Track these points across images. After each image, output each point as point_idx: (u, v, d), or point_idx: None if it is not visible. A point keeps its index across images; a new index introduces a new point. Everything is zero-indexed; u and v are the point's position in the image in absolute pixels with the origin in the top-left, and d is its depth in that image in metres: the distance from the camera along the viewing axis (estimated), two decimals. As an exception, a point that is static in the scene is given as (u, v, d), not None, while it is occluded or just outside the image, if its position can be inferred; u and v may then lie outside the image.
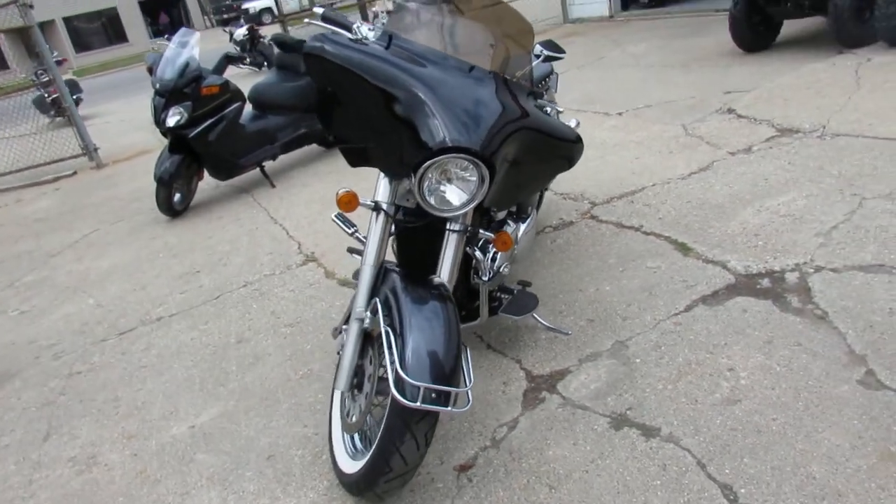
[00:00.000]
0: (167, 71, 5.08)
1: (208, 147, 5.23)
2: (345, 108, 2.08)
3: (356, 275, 2.94)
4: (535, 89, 2.36)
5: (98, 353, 3.47)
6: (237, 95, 5.41)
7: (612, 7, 10.63)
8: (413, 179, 1.91)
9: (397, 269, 2.11)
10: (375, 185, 2.18)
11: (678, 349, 2.50)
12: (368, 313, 2.03)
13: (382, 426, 1.88)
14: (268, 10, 27.52)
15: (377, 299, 2.00)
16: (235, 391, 2.87)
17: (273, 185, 5.69)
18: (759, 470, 1.91)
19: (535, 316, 2.69)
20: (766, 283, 2.79)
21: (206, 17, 39.52)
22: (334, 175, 5.69)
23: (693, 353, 2.46)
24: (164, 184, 5.16)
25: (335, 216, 2.48)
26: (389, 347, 1.84)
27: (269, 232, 4.66)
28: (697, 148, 4.41)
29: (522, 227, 2.78)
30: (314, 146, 6.43)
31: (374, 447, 1.91)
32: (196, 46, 5.17)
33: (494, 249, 2.43)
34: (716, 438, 2.06)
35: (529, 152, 2.15)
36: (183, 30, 5.36)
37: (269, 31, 12.00)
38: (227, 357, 3.16)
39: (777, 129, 4.43)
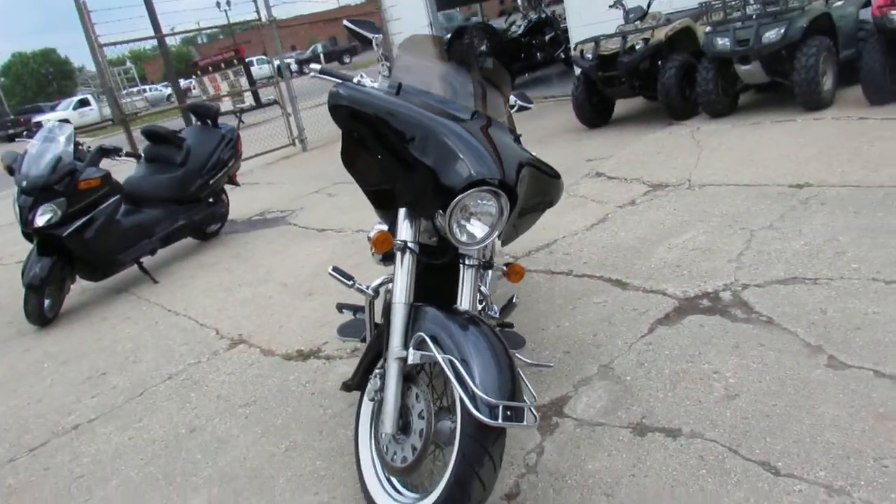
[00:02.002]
0: (35, 167, 4.68)
1: (85, 245, 4.82)
2: (370, 152, 2.13)
3: (343, 330, 2.90)
4: (518, 134, 2.56)
5: (11, 475, 2.99)
6: (115, 188, 5.09)
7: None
8: (445, 213, 1.99)
9: (425, 304, 2.13)
10: (397, 228, 2.20)
11: (660, 363, 2.71)
12: (412, 350, 2.02)
13: (456, 455, 1.86)
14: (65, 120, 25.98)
15: (422, 334, 2.00)
16: (213, 478, 2.62)
17: (155, 281, 5.33)
18: (784, 445, 2.13)
19: (518, 355, 2.78)
20: (706, 302, 3.13)
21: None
22: (220, 265, 5.46)
23: (675, 364, 2.69)
24: (36, 290, 4.65)
25: (332, 270, 2.45)
26: (457, 374, 1.85)
27: (174, 324, 4.35)
28: (586, 205, 4.85)
29: (490, 273, 2.91)
30: (189, 239, 6.14)
31: (446, 480, 1.87)
32: (71, 141, 4.83)
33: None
34: (733, 428, 2.26)
35: (530, 188, 2.31)
36: (51, 124, 5.01)
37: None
38: (185, 447, 2.88)
39: (648, 185, 5.01)
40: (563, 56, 11.89)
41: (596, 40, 6.88)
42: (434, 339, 1.97)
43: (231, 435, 2.90)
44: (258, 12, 10.04)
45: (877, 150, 4.62)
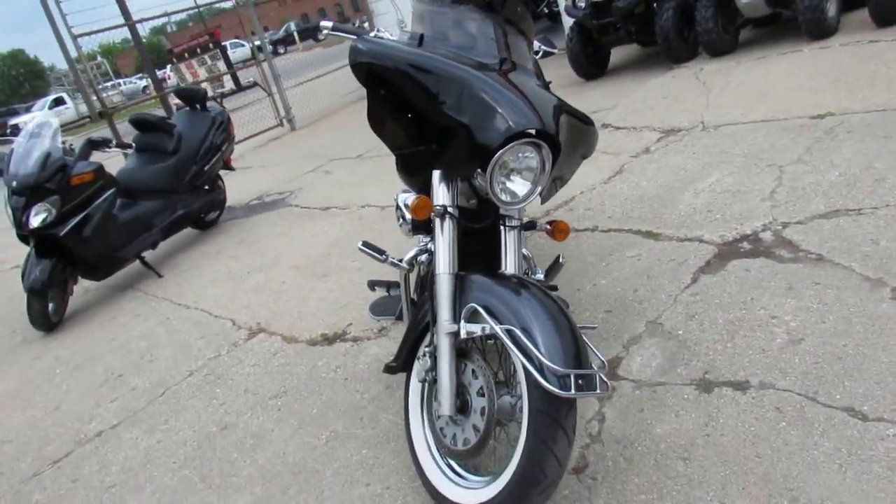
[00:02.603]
0: (23, 166, 4.47)
1: (84, 244, 4.64)
2: (399, 111, 1.95)
3: (376, 308, 2.75)
4: (548, 81, 2.38)
5: (37, 490, 2.85)
6: (109, 182, 4.88)
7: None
8: (485, 172, 1.83)
9: (470, 272, 1.97)
10: (433, 192, 2.03)
11: (712, 313, 2.57)
12: (464, 323, 1.86)
13: (526, 432, 1.72)
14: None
15: (473, 305, 1.85)
16: (254, 476, 2.49)
17: (160, 275, 5.15)
18: (867, 388, 2.00)
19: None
20: (747, 245, 2.98)
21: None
22: (224, 253, 5.28)
23: (728, 313, 2.55)
24: (38, 294, 4.47)
25: (362, 245, 2.29)
26: (520, 345, 1.70)
27: (187, 318, 4.19)
28: (598, 158, 4.67)
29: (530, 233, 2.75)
30: (188, 230, 5.94)
31: (518, 459, 1.73)
32: (58, 134, 4.61)
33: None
34: (805, 374, 2.12)
35: (569, 137, 2.14)
36: (36, 121, 4.77)
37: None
38: (219, 447, 2.74)
39: (660, 131, 4.83)
40: (546, 11, 11.56)
41: (588, -13, 6.63)
42: (487, 309, 1.82)
43: (266, 429, 2.76)
44: (231, -10, 9.69)
45: (895, 72, 4.44)
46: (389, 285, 2.55)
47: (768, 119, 4.37)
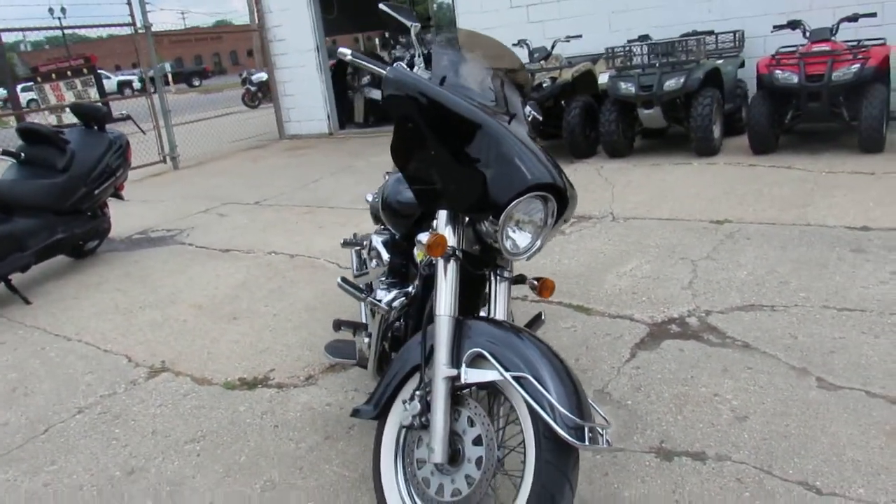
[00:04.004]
0: None
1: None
2: (425, 146, 1.92)
3: (334, 349, 2.60)
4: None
5: None
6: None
7: (331, 125, 11.14)
8: (497, 219, 1.85)
9: (468, 317, 1.94)
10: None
11: (657, 387, 2.68)
12: (465, 368, 1.81)
13: (532, 483, 1.67)
14: None
15: (478, 349, 1.81)
16: (176, 526, 2.21)
17: (28, 301, 4.59)
18: (815, 464, 2.14)
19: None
20: (675, 328, 3.17)
21: None
22: (108, 284, 4.82)
23: (671, 388, 2.66)
24: None
25: (341, 282, 2.19)
26: (533, 393, 1.68)
27: (69, 350, 3.74)
28: (516, 234, 4.82)
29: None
30: (61, 257, 5.39)
31: (521, 515, 1.67)
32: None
33: None
34: (757, 449, 2.24)
35: None
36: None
37: None
38: (127, 493, 2.42)
39: (574, 216, 5.08)
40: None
41: (502, 76, 6.99)
42: (492, 355, 1.79)
43: (184, 476, 2.48)
44: (132, 17, 9.27)
45: (777, 193, 5.01)
46: (356, 326, 2.43)
47: (672, 218, 4.74)
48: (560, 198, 1.94)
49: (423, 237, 1.93)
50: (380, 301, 2.17)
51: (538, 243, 1.97)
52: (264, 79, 18.48)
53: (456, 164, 1.90)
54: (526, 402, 1.68)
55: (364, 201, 3.01)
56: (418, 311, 2.21)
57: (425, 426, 1.85)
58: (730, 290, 3.47)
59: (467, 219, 2.01)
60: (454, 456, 1.83)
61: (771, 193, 5.03)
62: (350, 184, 7.25)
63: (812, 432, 2.30)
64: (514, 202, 1.83)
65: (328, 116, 11.13)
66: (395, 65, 1.94)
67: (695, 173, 5.92)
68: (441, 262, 1.94)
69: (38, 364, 3.61)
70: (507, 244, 1.91)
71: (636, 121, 6.72)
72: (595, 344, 3.08)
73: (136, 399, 3.10)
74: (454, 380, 1.82)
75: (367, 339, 2.46)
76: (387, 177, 3.35)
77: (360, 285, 2.53)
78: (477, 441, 1.80)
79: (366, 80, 11.27)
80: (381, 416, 2.03)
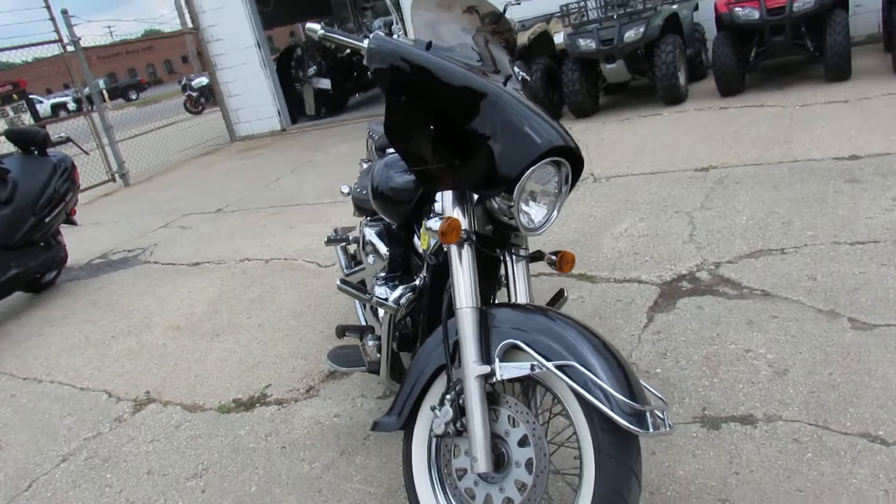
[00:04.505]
0: None
1: None
2: (422, 121, 1.70)
3: (338, 357, 2.39)
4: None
5: None
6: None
7: (282, 121, 10.78)
8: (511, 193, 1.65)
9: (491, 305, 1.74)
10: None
11: (684, 350, 2.52)
12: (499, 363, 1.61)
13: (596, 482, 1.49)
14: None
15: (511, 341, 1.61)
16: (193, 577, 1.99)
17: (-12, 346, 4.27)
18: (872, 411, 2.00)
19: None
20: (687, 284, 3.01)
21: None
22: (74, 316, 4.51)
23: (699, 349, 2.50)
24: None
25: (340, 283, 1.97)
26: (583, 381, 1.49)
27: (42, 394, 3.45)
28: (497, 208, 4.63)
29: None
30: (18, 293, 5.05)
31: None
32: None
33: None
34: (807, 404, 2.10)
35: None
36: None
37: None
38: (130, 545, 2.19)
39: (551, 183, 4.90)
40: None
41: (456, 47, 6.75)
42: (529, 345, 1.59)
43: (192, 517, 2.25)
44: (58, 33, 8.76)
45: (755, 133, 4.89)
46: (363, 330, 2.21)
47: (656, 171, 4.59)
48: (573, 160, 1.74)
49: (434, 223, 1.72)
50: (386, 299, 1.96)
51: (555, 214, 1.77)
52: (205, 82, 17.99)
53: (459, 138, 1.69)
54: (575, 392, 1.50)
55: (332, 195, 2.79)
56: (429, 306, 2.00)
57: (460, 432, 1.66)
58: (733, 238, 3.32)
59: (476, 197, 1.80)
60: (498, 461, 1.64)
61: (749, 134, 4.91)
62: (313, 178, 6.97)
63: (859, 378, 2.16)
64: (528, 172, 1.62)
65: (278, 113, 10.77)
66: (374, 34, 1.71)
67: (667, 123, 5.78)
68: (454, 249, 1.73)
69: (10, 413, 3.31)
70: (523, 219, 1.71)
71: (599, 77, 6.56)
72: (608, 313, 2.91)
73: (124, 437, 2.84)
74: (488, 377, 1.62)
75: (371, 343, 2.25)
76: (363, 165, 3.12)
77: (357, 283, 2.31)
78: (523, 442, 1.61)
79: (311, 70, 10.91)
80: (406, 426, 1.82)
